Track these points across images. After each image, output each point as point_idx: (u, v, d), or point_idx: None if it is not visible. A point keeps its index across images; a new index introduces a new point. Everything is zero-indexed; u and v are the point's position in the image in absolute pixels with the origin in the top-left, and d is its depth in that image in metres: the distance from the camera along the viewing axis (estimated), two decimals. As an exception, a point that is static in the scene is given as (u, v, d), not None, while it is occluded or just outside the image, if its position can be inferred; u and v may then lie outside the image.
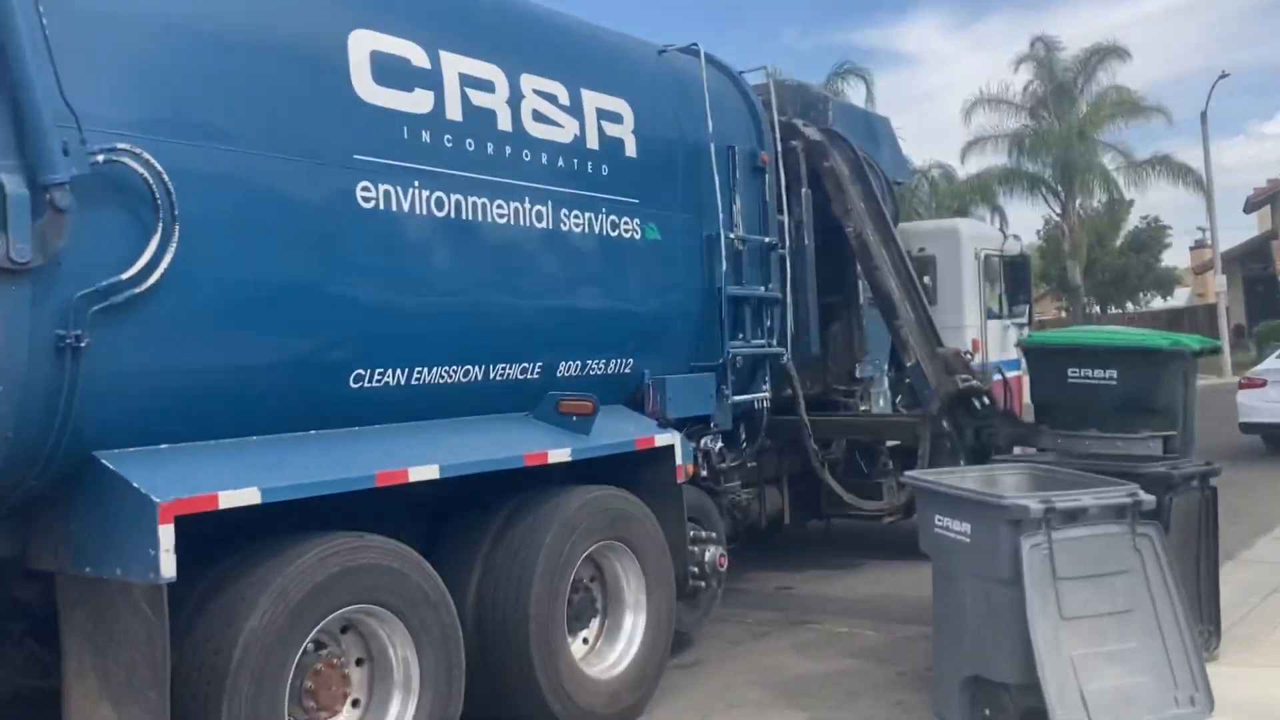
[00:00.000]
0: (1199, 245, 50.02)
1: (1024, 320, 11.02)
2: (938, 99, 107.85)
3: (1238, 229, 50.35)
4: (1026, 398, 10.12)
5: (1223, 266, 35.20)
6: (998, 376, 9.75)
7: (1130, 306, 50.24)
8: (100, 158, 3.87)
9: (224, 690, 4.02)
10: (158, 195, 4.05)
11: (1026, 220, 74.37)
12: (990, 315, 10.51)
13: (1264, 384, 14.90)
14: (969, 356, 7.78)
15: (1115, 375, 6.55)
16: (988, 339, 10.31)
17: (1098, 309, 46.82)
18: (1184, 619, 4.92)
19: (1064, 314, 44.49)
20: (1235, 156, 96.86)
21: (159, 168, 4.05)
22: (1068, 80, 35.70)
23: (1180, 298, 55.74)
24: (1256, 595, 7.40)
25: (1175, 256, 55.46)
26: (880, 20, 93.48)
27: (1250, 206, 42.17)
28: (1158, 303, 52.51)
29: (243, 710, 4.05)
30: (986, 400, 7.31)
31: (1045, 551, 4.74)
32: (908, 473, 5.58)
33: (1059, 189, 36.64)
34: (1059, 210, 37.74)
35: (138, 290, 4.01)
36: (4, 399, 3.73)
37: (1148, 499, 4.98)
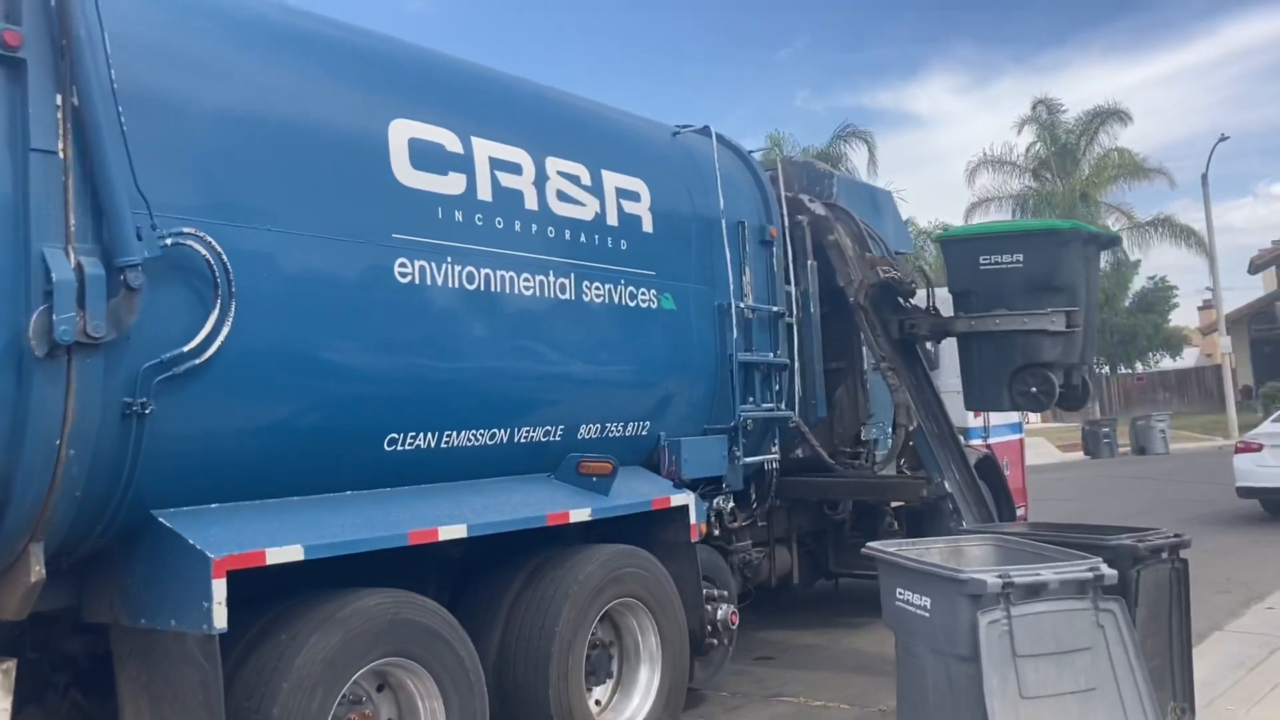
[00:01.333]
0: (1206, 305, 50.33)
1: (1025, 385, 11.27)
2: (947, 160, 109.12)
3: (1245, 289, 50.73)
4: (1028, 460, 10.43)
5: (1229, 327, 35.49)
6: (980, 440, 10.14)
7: (1139, 367, 50.42)
8: (168, 240, 4.25)
9: (269, 735, 4.30)
10: (217, 274, 4.42)
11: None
12: (992, 380, 10.77)
13: (1260, 448, 14.77)
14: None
15: (1021, 258, 7.25)
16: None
17: (1106, 369, 47.00)
18: (1148, 699, 4.75)
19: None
20: (1243, 217, 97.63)
21: (219, 249, 4.43)
22: (1070, 142, 36.33)
23: (1189, 358, 55.89)
24: (1242, 668, 7.29)
25: (1183, 316, 55.80)
26: (891, 82, 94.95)
27: (1255, 268, 42.56)
28: (1166, 363, 52.69)
29: (286, 755, 4.32)
30: (908, 300, 8.09)
31: (1004, 627, 4.61)
32: (870, 544, 5.58)
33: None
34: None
35: (197, 361, 4.36)
36: (76, 461, 4.07)
37: (1109, 573, 4.87)
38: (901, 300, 8.19)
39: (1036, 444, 31.60)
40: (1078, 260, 7.26)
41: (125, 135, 4.13)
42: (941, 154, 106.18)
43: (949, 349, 10.18)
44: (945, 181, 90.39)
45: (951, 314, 7.84)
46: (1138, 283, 47.38)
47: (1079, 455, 31.17)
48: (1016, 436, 11.35)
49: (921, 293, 8.24)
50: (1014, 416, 11.19)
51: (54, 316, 3.88)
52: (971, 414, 10.12)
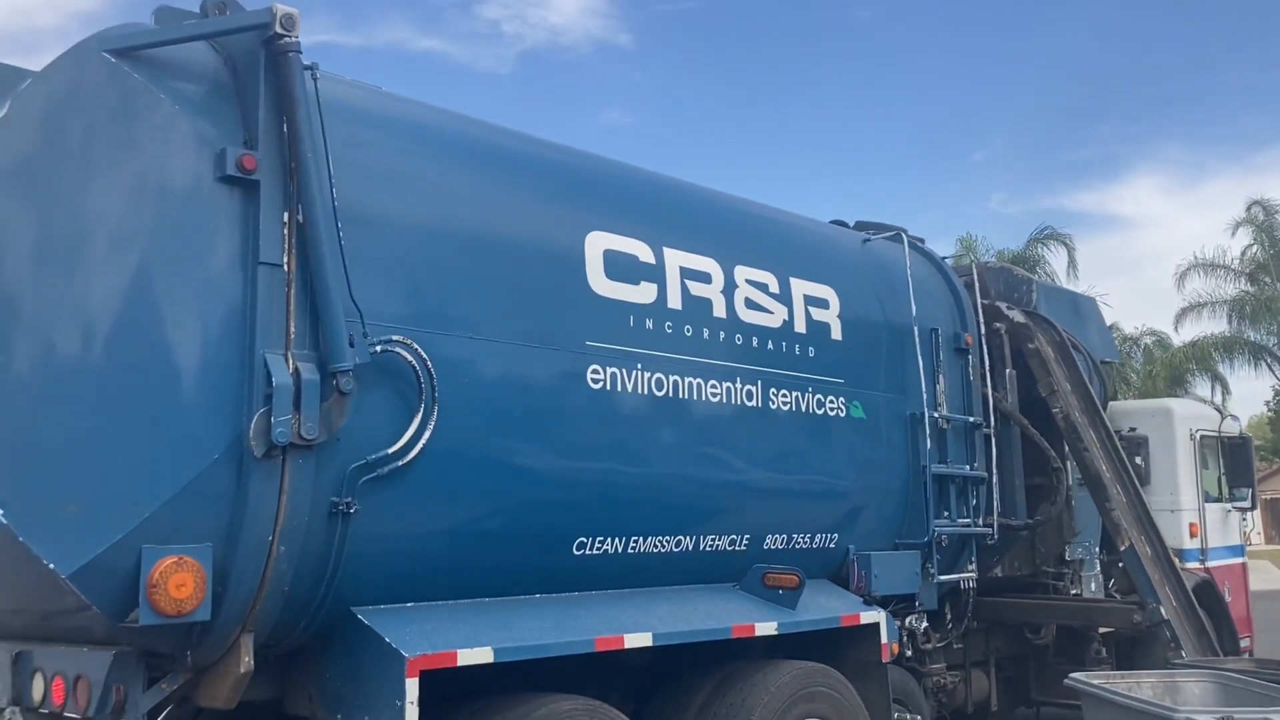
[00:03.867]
0: None
1: (1246, 504, 10.46)
2: (1154, 263, 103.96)
3: None
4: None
5: None
6: (1197, 563, 9.38)
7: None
8: (378, 348, 4.48)
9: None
10: (422, 380, 4.62)
11: (1253, 390, 69.80)
12: (1208, 499, 10.06)
13: None
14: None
15: None
16: (1206, 523, 9.86)
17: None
18: None
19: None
20: None
21: (424, 356, 4.63)
22: (1290, 244, 34.14)
23: None
24: None
25: None
26: (1092, 184, 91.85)
27: None
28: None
29: None
30: None
31: None
32: (1073, 675, 5.29)
33: (1284, 358, 34.60)
34: (1286, 381, 35.52)
35: (401, 463, 4.54)
36: (286, 557, 4.27)
37: None
38: None
39: (1261, 567, 29.04)
40: None
41: (343, 250, 4.41)
42: (1148, 257, 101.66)
43: (1160, 463, 9.63)
44: (1152, 286, 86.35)
45: None
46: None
47: (1313, 581, 28.43)
48: (1239, 560, 10.47)
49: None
50: (1235, 537, 10.36)
51: (273, 419, 4.12)
52: (1188, 533, 9.44)
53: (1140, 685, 5.35)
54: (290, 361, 4.26)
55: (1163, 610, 7.10)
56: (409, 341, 4.59)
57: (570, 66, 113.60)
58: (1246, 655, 9.34)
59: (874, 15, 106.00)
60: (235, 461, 4.13)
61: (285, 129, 4.38)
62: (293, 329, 4.30)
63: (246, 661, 4.31)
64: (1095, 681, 5.21)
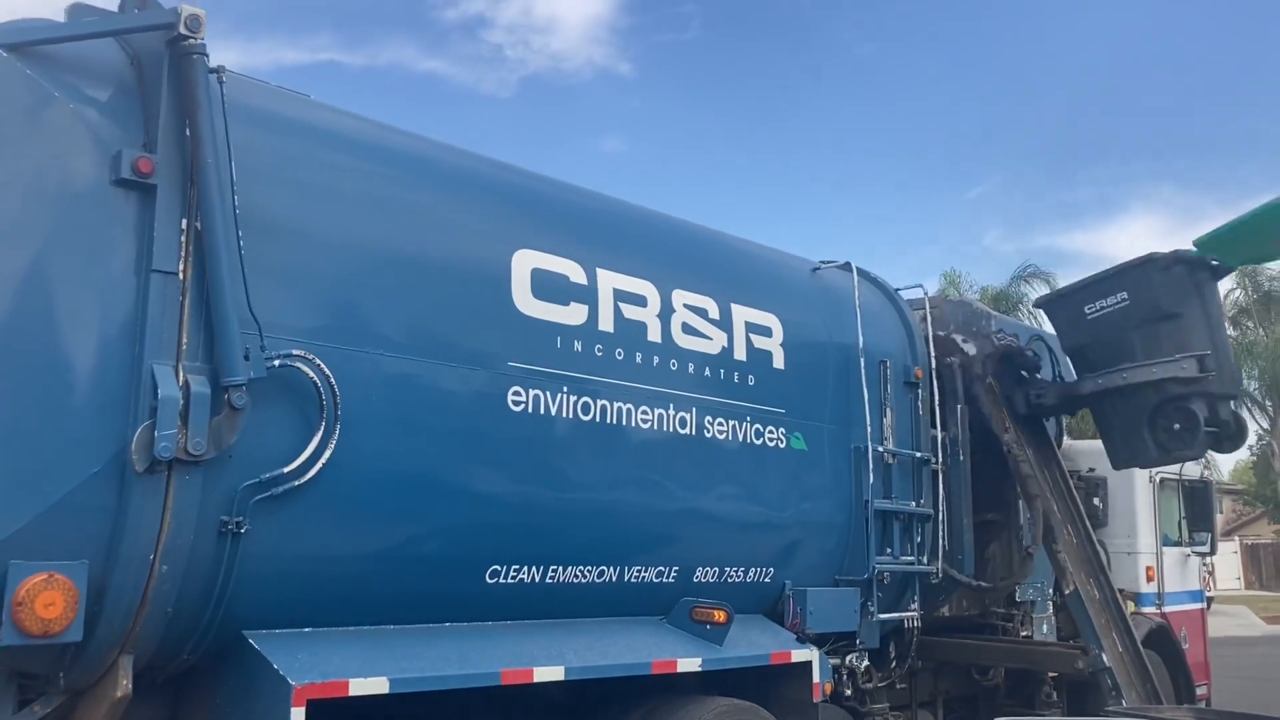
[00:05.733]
0: None
1: (1205, 549, 10.29)
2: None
3: None
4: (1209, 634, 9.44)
5: None
6: (1153, 608, 9.26)
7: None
8: (276, 362, 4.31)
9: None
10: (324, 396, 4.45)
11: (1234, 435, 69.59)
12: (1167, 542, 9.89)
13: None
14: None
15: (1126, 295, 7.07)
16: (1164, 567, 9.69)
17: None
18: None
19: (1281, 537, 41.10)
20: None
21: (327, 371, 4.47)
22: (1275, 290, 34.19)
23: None
24: None
25: None
26: (1088, 223, 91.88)
27: None
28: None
29: None
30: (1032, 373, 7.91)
31: None
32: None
33: (1266, 403, 34.56)
34: (1267, 425, 35.48)
35: (297, 483, 4.37)
36: (169, 577, 4.09)
37: None
38: (1025, 373, 7.89)
39: (1237, 613, 28.87)
40: (1186, 286, 6.95)
41: (243, 259, 4.25)
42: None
43: (1118, 505, 9.48)
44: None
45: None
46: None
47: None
48: (1197, 605, 10.29)
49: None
50: (1194, 582, 10.19)
51: (156, 432, 3.96)
52: (1145, 577, 9.28)
53: None
54: (180, 374, 4.10)
55: (1105, 657, 6.93)
56: (310, 356, 4.43)
57: (571, 92, 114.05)
58: (1203, 704, 9.18)
59: (875, 50, 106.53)
60: (116, 475, 3.96)
61: (188, 132, 4.24)
62: (185, 340, 4.15)
63: (125, 685, 4.12)
64: None
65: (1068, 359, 8.19)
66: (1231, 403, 7.20)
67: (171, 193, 4.17)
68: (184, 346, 4.13)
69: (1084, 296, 7.37)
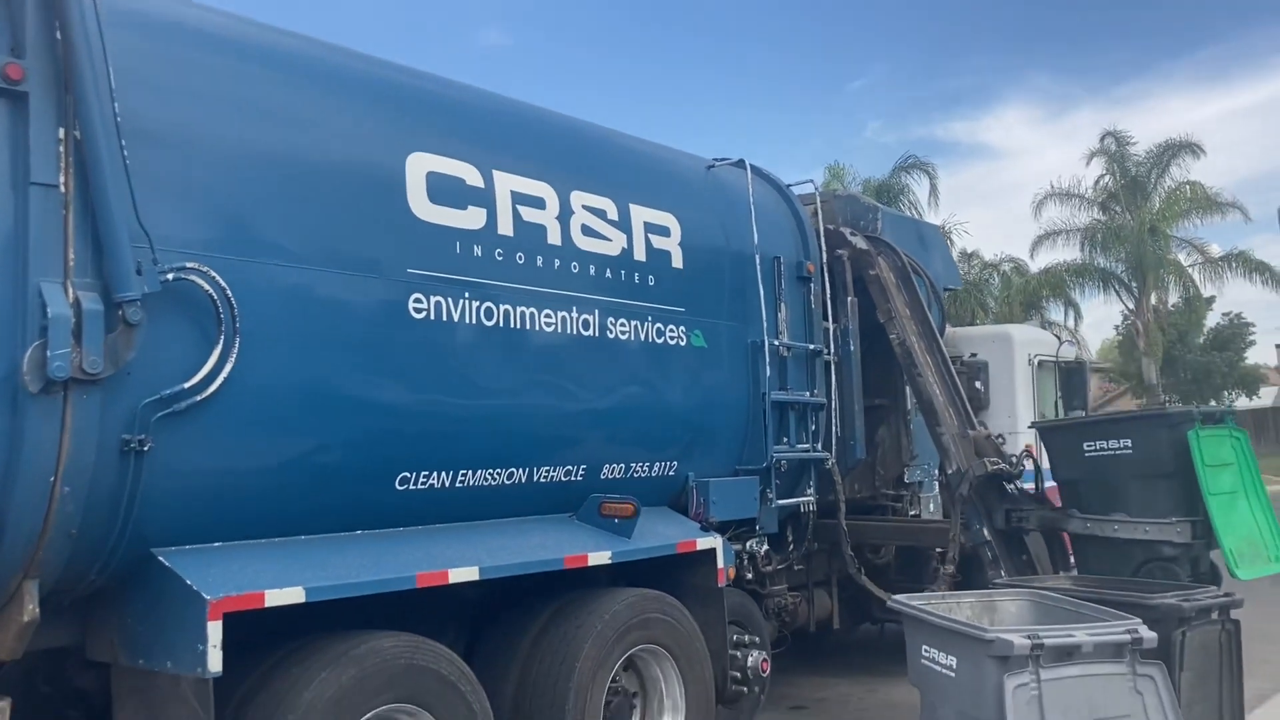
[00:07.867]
0: (1284, 342, 48.63)
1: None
2: (1020, 192, 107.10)
3: (1325, 326, 48.88)
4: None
5: (1306, 366, 34.20)
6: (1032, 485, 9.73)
7: (1214, 404, 48.84)
8: (170, 275, 4.19)
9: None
10: (221, 310, 4.35)
11: (1105, 316, 73.13)
12: (1045, 421, 10.40)
13: None
14: (1018, 463, 7.73)
15: (1130, 444, 6.65)
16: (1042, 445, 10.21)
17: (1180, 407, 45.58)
18: None
19: (1142, 412, 43.39)
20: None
21: (223, 284, 4.36)
22: (1140, 175, 35.47)
23: (1267, 397, 54.10)
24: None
25: (1261, 354, 53.93)
26: (965, 114, 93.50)
27: (1335, 304, 41.06)
28: (1242, 401, 51.02)
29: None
30: (1017, 485, 7.41)
31: (1033, 692, 4.38)
32: (895, 597, 5.34)
33: (1131, 285, 36.18)
34: (1132, 306, 37.21)
35: (199, 398, 4.29)
36: (71, 499, 4.00)
37: (1148, 636, 4.59)
38: (1009, 487, 7.59)
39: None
40: (1192, 444, 6.48)
41: (128, 169, 4.09)
42: (1014, 186, 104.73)
43: (999, 388, 9.91)
44: (1017, 214, 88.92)
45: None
46: (1212, 319, 46.03)
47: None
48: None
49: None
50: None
51: (49, 352, 3.83)
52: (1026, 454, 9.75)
53: (960, 605, 5.44)
54: (70, 291, 3.95)
55: (985, 531, 7.34)
56: (205, 269, 4.32)
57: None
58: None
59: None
60: (8, 399, 3.83)
61: (59, 35, 4.01)
62: (72, 256, 3.99)
63: (31, 609, 4.05)
64: (915, 603, 5.27)
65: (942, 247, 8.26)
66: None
67: (45, 101, 3.96)
68: (71, 263, 3.97)
69: (1084, 433, 7.02)
